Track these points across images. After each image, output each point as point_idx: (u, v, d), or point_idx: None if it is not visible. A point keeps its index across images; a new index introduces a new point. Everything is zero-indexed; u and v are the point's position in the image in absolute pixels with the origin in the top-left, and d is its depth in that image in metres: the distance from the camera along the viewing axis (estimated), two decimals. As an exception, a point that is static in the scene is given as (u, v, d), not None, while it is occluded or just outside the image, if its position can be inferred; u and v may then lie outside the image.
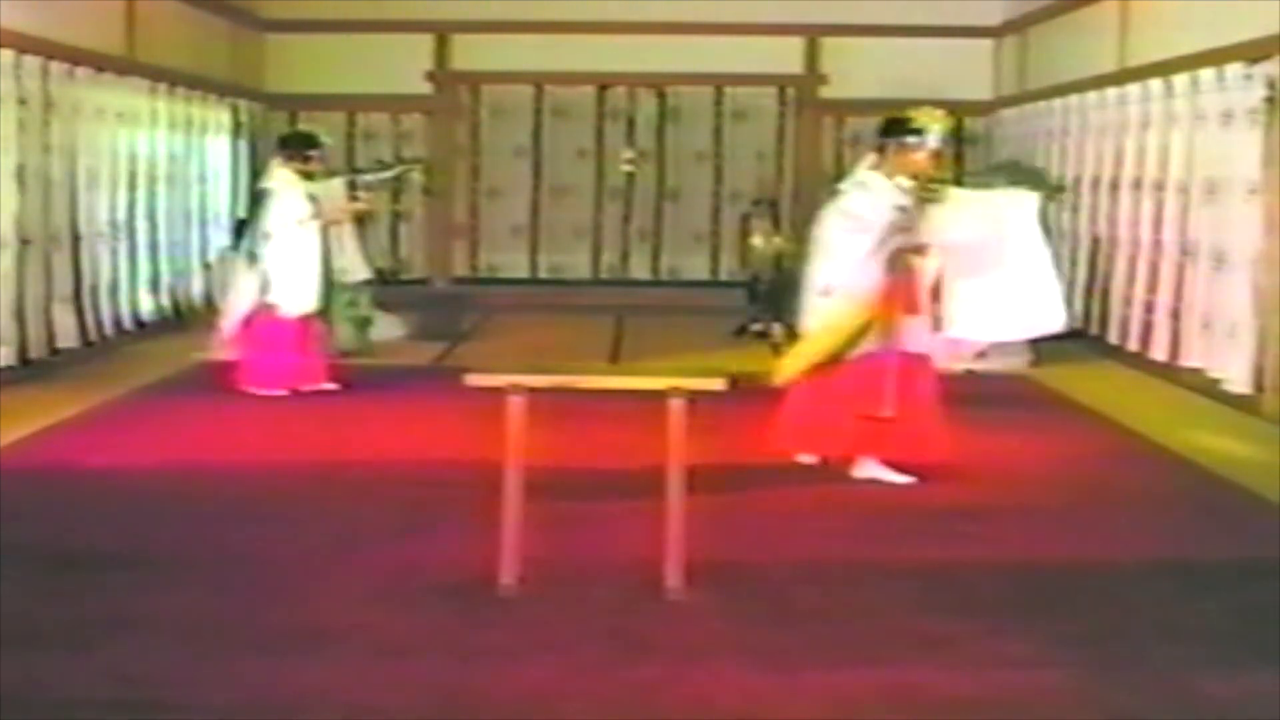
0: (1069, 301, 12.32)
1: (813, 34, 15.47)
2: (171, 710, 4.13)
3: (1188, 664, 4.58)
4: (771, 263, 13.27)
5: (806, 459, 7.24)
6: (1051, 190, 9.50)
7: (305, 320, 9.35)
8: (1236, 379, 9.31)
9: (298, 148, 9.69)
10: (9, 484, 6.67)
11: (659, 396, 5.17)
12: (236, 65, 14.72)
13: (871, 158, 7.19)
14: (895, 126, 7.08)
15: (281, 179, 9.47)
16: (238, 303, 9.45)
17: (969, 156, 15.48)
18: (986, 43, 15.43)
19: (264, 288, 9.25)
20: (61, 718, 4.09)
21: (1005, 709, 4.23)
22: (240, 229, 12.53)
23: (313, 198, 9.45)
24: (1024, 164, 11.38)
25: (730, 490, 6.55)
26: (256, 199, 9.51)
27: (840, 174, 15.54)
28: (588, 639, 4.71)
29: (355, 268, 10.71)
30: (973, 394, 8.12)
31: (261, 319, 9.27)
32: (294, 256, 9.28)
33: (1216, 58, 9.80)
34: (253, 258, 9.33)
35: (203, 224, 13.59)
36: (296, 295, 9.29)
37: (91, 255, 10.92)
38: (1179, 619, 5.06)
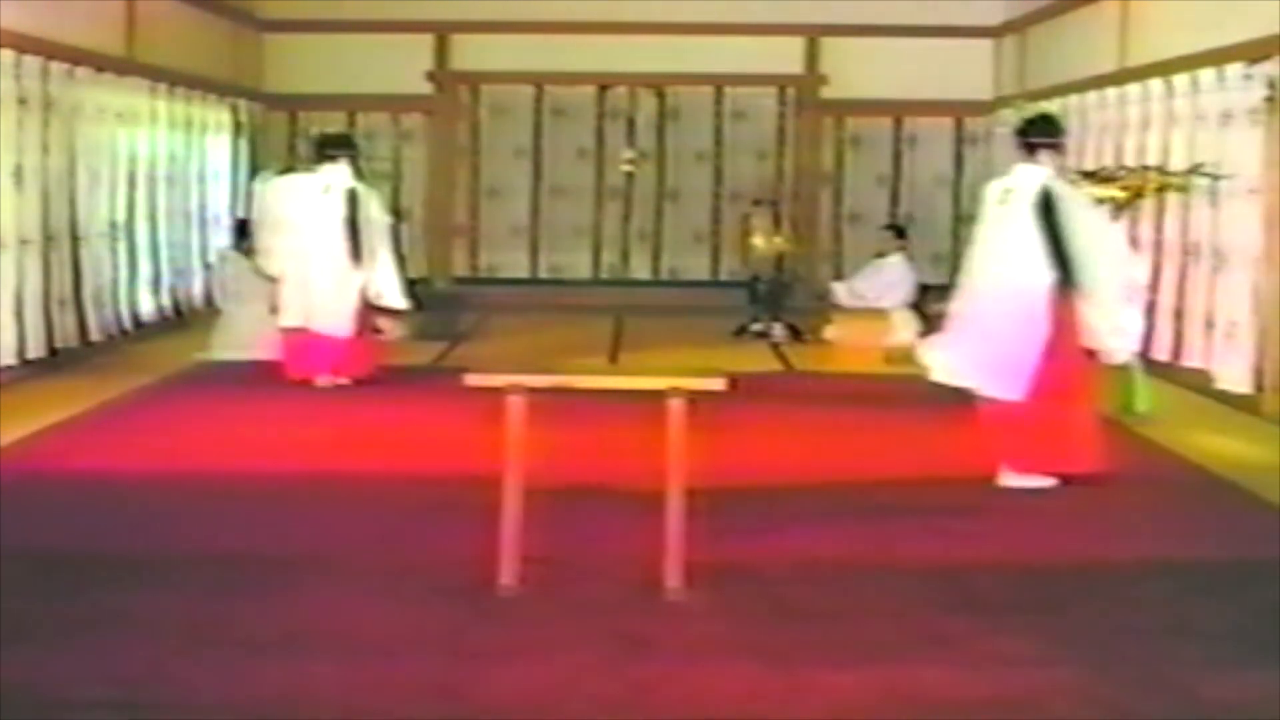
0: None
1: (813, 34, 15.45)
2: (171, 710, 4.13)
3: (1188, 664, 4.58)
4: (771, 263, 13.28)
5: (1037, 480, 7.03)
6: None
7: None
8: (1236, 379, 9.30)
9: (353, 148, 10.05)
10: (9, 484, 6.67)
11: (659, 396, 5.18)
12: (236, 65, 14.71)
13: (1050, 155, 7.24)
14: (1060, 125, 7.45)
15: (355, 178, 9.71)
16: (343, 302, 9.59)
17: (969, 156, 15.49)
18: (986, 43, 15.42)
19: (375, 286, 9.71)
20: (60, 718, 4.09)
21: (1005, 709, 4.23)
22: (242, 228, 12.55)
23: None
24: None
25: (730, 490, 6.55)
26: (353, 200, 9.68)
27: (840, 174, 15.73)
28: (588, 639, 4.70)
29: None
30: (972, 394, 8.10)
31: (374, 314, 9.83)
32: (394, 251, 9.89)
33: (1216, 58, 9.80)
34: (357, 256, 9.59)
35: (203, 224, 13.59)
36: (402, 289, 9.92)
37: (91, 255, 10.92)
38: (1179, 619, 5.05)
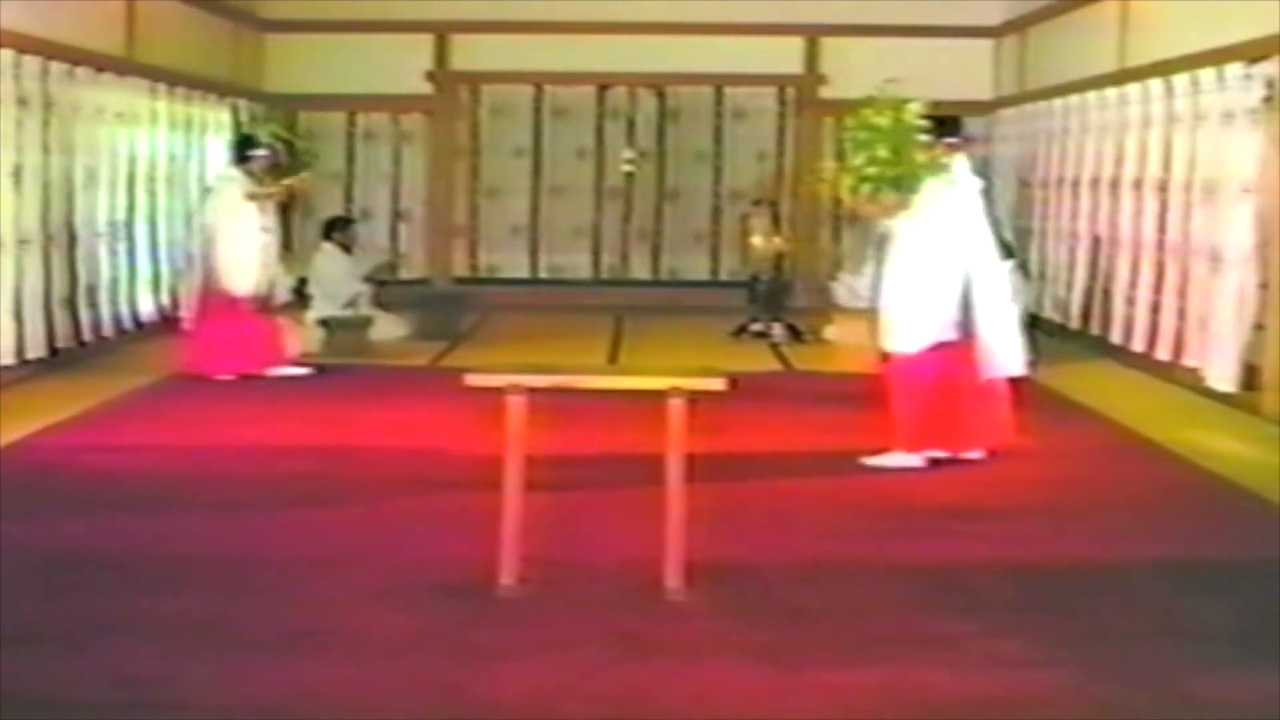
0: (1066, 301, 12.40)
1: (813, 34, 15.46)
2: (171, 710, 4.13)
3: (1188, 664, 4.58)
4: (771, 263, 13.28)
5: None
6: None
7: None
8: (1229, 378, 9.30)
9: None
10: (9, 483, 6.67)
11: (659, 396, 5.18)
12: (236, 65, 14.71)
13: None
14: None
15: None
16: None
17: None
18: (986, 43, 15.42)
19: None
20: (61, 718, 4.09)
21: (1005, 709, 4.23)
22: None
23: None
24: None
25: (730, 490, 6.55)
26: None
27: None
28: (588, 639, 4.70)
29: None
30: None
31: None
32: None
33: (1216, 58, 9.80)
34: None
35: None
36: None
37: (90, 255, 10.92)
38: (1179, 619, 5.06)
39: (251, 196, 9.99)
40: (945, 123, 7.55)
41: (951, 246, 7.31)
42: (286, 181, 10.43)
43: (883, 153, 7.34)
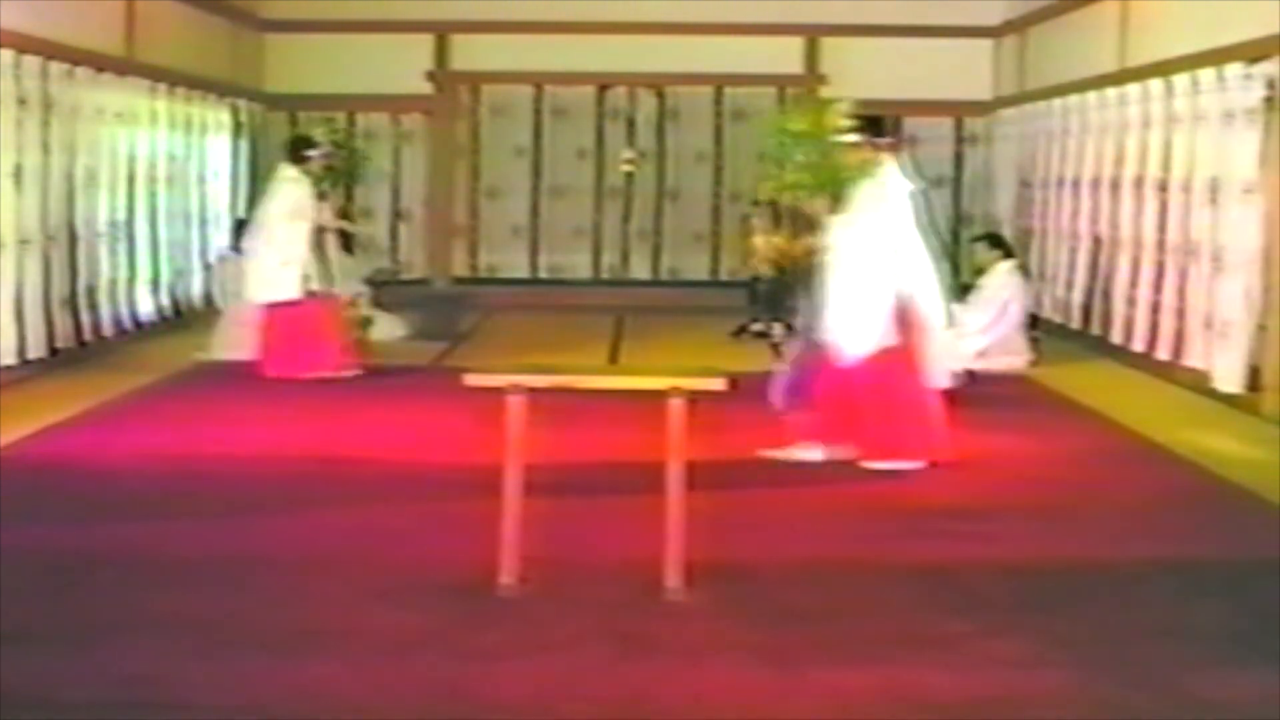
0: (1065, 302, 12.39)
1: (813, 34, 15.46)
2: (171, 710, 4.13)
3: (1188, 664, 4.58)
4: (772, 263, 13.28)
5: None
6: None
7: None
8: (1230, 379, 9.30)
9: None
10: (9, 483, 6.67)
11: (659, 396, 5.18)
12: (236, 65, 14.71)
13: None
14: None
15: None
16: None
17: (969, 156, 15.49)
18: (986, 43, 15.42)
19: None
20: (61, 718, 4.09)
21: (1005, 709, 4.23)
22: (240, 228, 12.56)
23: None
24: None
25: (730, 490, 6.55)
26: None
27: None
28: (588, 639, 4.70)
29: None
30: (972, 394, 8.12)
31: None
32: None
33: (1216, 58, 9.80)
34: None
35: (203, 224, 13.58)
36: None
37: (91, 255, 10.92)
38: (1179, 619, 5.06)
39: (320, 230, 10.15)
40: (875, 123, 7.34)
41: (886, 250, 7.14)
42: (345, 225, 10.86)
43: (803, 158, 7.21)
